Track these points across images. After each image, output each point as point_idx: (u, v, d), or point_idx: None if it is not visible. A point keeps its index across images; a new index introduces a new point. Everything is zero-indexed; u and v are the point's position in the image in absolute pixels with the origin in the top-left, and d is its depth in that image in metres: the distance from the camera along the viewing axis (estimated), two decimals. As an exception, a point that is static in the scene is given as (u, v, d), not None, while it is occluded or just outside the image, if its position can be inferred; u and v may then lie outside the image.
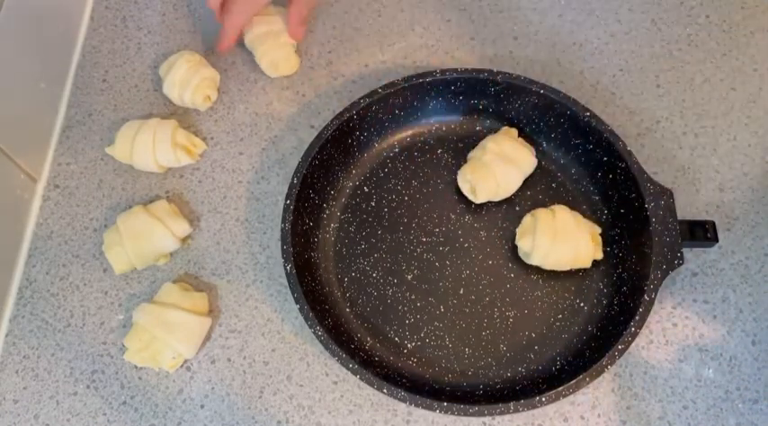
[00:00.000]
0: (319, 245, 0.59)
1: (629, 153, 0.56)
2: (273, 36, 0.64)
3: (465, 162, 0.61)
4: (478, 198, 0.59)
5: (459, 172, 0.60)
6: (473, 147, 0.61)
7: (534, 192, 0.60)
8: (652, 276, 0.52)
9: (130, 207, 0.60)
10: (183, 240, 0.59)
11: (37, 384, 0.55)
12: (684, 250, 0.53)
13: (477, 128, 0.63)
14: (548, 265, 0.56)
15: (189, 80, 0.62)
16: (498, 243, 0.59)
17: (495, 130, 0.62)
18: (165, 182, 0.62)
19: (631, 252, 0.56)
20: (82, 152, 0.64)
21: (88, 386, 0.55)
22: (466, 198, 0.60)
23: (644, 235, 0.54)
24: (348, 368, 0.50)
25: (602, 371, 0.49)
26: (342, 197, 0.60)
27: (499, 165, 0.57)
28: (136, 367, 0.55)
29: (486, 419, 0.53)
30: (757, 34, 0.68)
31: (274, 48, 0.64)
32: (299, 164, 0.56)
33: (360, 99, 0.58)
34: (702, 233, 0.54)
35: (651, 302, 0.51)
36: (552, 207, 0.57)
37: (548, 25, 0.69)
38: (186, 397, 0.54)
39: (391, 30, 0.69)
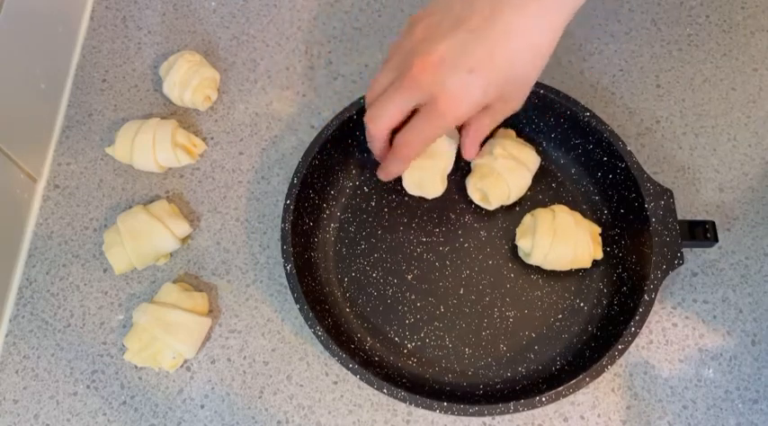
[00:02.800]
0: (319, 245, 0.59)
1: (629, 153, 0.56)
2: (424, 154, 0.57)
3: (468, 166, 0.60)
4: (492, 204, 0.59)
5: (467, 181, 0.60)
6: (473, 147, 0.61)
7: (534, 192, 0.60)
8: (652, 276, 0.52)
9: (130, 207, 0.60)
10: (183, 240, 0.59)
11: (37, 384, 0.55)
12: (684, 250, 0.53)
13: (477, 128, 0.63)
14: (548, 265, 0.56)
15: (189, 80, 0.62)
16: (498, 243, 0.59)
17: (495, 130, 0.62)
18: (165, 182, 0.62)
19: (631, 252, 0.56)
20: (82, 152, 0.64)
21: (88, 386, 0.55)
22: (466, 197, 0.60)
23: (644, 235, 0.54)
24: (348, 368, 0.50)
25: (602, 371, 0.49)
26: (342, 197, 0.60)
27: (510, 169, 0.57)
28: (136, 367, 0.55)
29: (486, 419, 0.53)
30: (757, 34, 0.68)
31: (424, 168, 0.58)
32: (299, 164, 0.56)
33: (360, 99, 0.58)
34: (702, 233, 0.54)
35: (651, 302, 0.51)
36: (552, 207, 0.57)
37: (548, 25, 0.69)
38: (186, 397, 0.54)
39: (391, 30, 0.69)
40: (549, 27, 0.45)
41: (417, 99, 0.46)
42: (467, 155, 0.54)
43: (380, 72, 0.49)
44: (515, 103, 0.49)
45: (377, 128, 0.49)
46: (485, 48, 0.44)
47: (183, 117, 0.65)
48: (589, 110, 0.57)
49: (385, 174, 0.54)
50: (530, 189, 0.59)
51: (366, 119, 0.49)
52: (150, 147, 0.59)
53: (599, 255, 0.56)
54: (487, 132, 0.52)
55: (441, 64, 0.44)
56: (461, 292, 0.57)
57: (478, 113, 0.48)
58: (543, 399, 0.49)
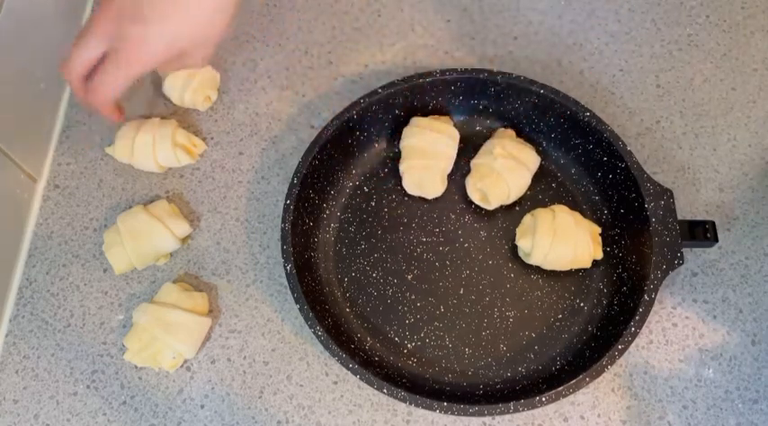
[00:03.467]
0: (319, 245, 0.59)
1: (629, 153, 0.56)
2: (425, 154, 0.59)
3: (468, 166, 0.60)
4: (491, 204, 0.59)
5: (466, 181, 0.60)
6: (473, 147, 0.61)
7: (534, 192, 0.60)
8: (652, 276, 0.52)
9: (130, 207, 0.60)
10: (183, 240, 0.59)
11: (37, 384, 0.55)
12: (684, 250, 0.53)
13: (477, 128, 0.63)
14: (548, 265, 0.56)
15: (189, 80, 0.62)
16: (498, 243, 0.59)
17: (494, 130, 0.62)
18: (165, 182, 0.62)
19: (631, 252, 0.56)
20: (82, 152, 0.64)
21: (88, 386, 0.55)
22: (466, 197, 0.60)
23: (644, 235, 0.54)
24: (348, 368, 0.50)
25: (602, 371, 0.49)
26: (342, 197, 0.60)
27: (510, 169, 0.57)
28: (136, 367, 0.55)
29: (486, 419, 0.53)
30: (757, 34, 0.68)
31: (424, 168, 0.59)
32: (299, 164, 0.56)
33: (360, 99, 0.58)
34: (702, 233, 0.54)
35: (651, 302, 0.51)
36: (552, 207, 0.57)
37: (548, 25, 0.69)
38: (186, 397, 0.54)
39: (391, 30, 0.69)
40: None
41: (103, 46, 0.49)
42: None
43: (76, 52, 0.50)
44: (207, 49, 0.52)
45: (67, 74, 0.51)
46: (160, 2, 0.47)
47: (183, 117, 0.65)
48: (589, 110, 0.57)
49: (89, 108, 0.54)
50: (530, 189, 0.59)
51: (60, 68, 0.51)
52: (150, 147, 0.59)
53: (599, 255, 0.56)
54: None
55: (119, 15, 0.47)
56: (461, 292, 0.57)
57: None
58: (543, 399, 0.49)
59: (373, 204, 0.60)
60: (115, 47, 0.48)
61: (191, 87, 0.62)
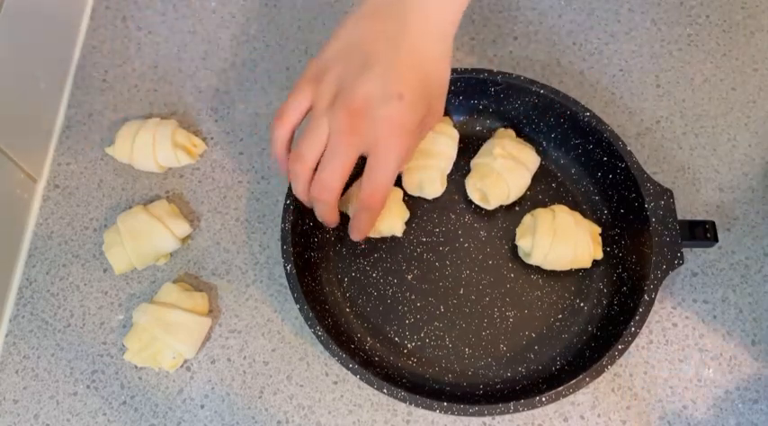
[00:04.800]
0: (319, 245, 0.59)
1: (629, 153, 0.56)
2: (425, 154, 0.59)
3: (467, 166, 0.60)
4: (491, 204, 0.59)
5: (466, 181, 0.60)
6: (473, 147, 0.61)
7: (534, 192, 0.60)
8: (652, 276, 0.52)
9: (130, 207, 0.60)
10: (183, 240, 0.59)
11: (37, 384, 0.55)
12: (684, 250, 0.53)
13: (477, 128, 0.63)
14: (548, 265, 0.56)
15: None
16: (498, 243, 0.59)
17: (494, 130, 0.62)
18: (165, 182, 0.62)
19: (631, 252, 0.56)
20: (82, 152, 0.64)
21: (88, 386, 0.55)
22: (466, 197, 0.60)
23: (644, 235, 0.54)
24: (348, 368, 0.50)
25: (602, 371, 0.49)
26: (341, 196, 0.60)
27: (510, 169, 0.57)
28: (136, 367, 0.55)
29: (486, 419, 0.53)
30: (757, 34, 0.68)
31: (424, 168, 0.59)
32: (299, 164, 0.56)
33: (360, 99, 0.58)
34: (702, 233, 0.54)
35: (651, 302, 0.51)
36: (552, 207, 0.57)
37: (548, 25, 0.69)
38: (186, 397, 0.54)
39: (391, 30, 0.69)
40: (443, 30, 0.46)
41: (360, 147, 0.46)
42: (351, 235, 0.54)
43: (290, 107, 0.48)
44: (440, 110, 0.49)
45: (330, 195, 0.48)
46: (400, 71, 0.45)
47: (183, 117, 0.65)
48: (589, 110, 0.57)
49: (359, 233, 0.53)
50: (530, 189, 0.59)
51: (314, 192, 0.48)
52: (150, 147, 0.59)
53: (599, 255, 0.56)
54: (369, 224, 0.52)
55: (367, 105, 0.44)
56: (461, 292, 0.57)
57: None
58: (543, 399, 0.49)
59: (373, 204, 0.60)
60: (374, 139, 0.45)
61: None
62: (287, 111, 0.47)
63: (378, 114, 0.44)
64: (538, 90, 0.58)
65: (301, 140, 0.47)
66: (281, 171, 0.51)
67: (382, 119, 0.44)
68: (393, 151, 0.45)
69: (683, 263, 0.52)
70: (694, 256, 0.58)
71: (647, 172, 0.55)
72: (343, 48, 0.46)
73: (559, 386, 0.49)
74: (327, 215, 0.51)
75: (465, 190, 0.60)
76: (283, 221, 0.54)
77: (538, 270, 0.57)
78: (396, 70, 0.44)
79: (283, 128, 0.48)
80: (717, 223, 0.55)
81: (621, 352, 0.50)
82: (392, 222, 0.57)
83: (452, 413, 0.49)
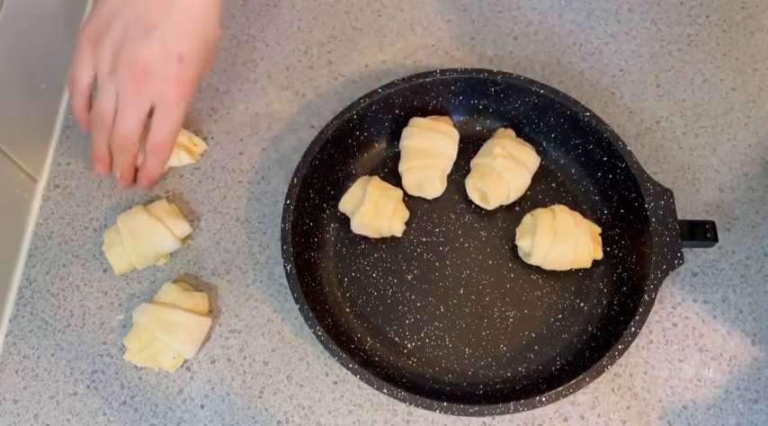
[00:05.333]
0: (319, 245, 0.59)
1: (629, 153, 0.56)
2: (424, 154, 0.59)
3: (467, 166, 0.60)
4: (491, 204, 0.59)
5: (466, 181, 0.60)
6: (473, 147, 0.61)
7: (534, 192, 0.60)
8: (652, 276, 0.52)
9: (130, 207, 0.60)
10: (183, 240, 0.59)
11: (37, 384, 0.55)
12: (684, 250, 0.53)
13: (477, 128, 0.63)
14: (548, 265, 0.56)
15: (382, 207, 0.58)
16: (498, 243, 0.59)
17: (494, 130, 0.62)
18: (164, 182, 0.62)
19: (631, 252, 0.56)
20: (82, 152, 0.64)
21: (88, 386, 0.55)
22: (466, 197, 0.60)
23: (644, 235, 0.54)
24: (348, 368, 0.50)
25: (602, 371, 0.49)
26: (342, 197, 0.60)
27: (510, 169, 0.57)
28: (136, 367, 0.55)
29: (486, 419, 0.53)
30: (757, 34, 0.68)
31: (424, 168, 0.59)
32: (299, 164, 0.56)
33: (360, 99, 0.58)
34: (702, 233, 0.54)
35: (651, 302, 0.51)
36: (552, 207, 0.57)
37: (548, 25, 0.69)
38: (186, 397, 0.54)
39: (391, 30, 0.69)
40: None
41: (147, 103, 0.51)
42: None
43: (77, 65, 0.52)
44: (213, 61, 0.54)
45: (129, 142, 0.54)
46: (178, 32, 0.49)
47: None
48: (589, 110, 0.57)
49: (148, 179, 0.58)
50: (530, 189, 0.59)
51: (116, 144, 0.54)
52: None
53: (599, 255, 0.56)
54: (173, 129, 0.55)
55: (150, 67, 0.50)
56: (461, 292, 0.57)
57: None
58: (543, 399, 0.49)
59: (373, 204, 0.60)
60: (159, 96, 0.51)
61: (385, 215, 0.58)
62: (75, 79, 0.53)
63: (161, 75, 0.50)
64: (538, 90, 0.58)
65: (96, 103, 0.53)
66: (82, 129, 0.57)
67: (166, 80, 0.50)
68: (177, 104, 0.52)
69: (683, 263, 0.52)
70: (694, 256, 0.58)
71: (647, 172, 0.55)
72: (116, 11, 0.50)
73: (559, 386, 0.49)
74: (126, 168, 0.57)
75: (465, 190, 0.60)
76: (283, 221, 0.54)
77: (538, 270, 0.57)
78: (173, 31, 0.49)
79: (78, 95, 0.54)
80: (717, 223, 0.55)
81: (621, 352, 0.50)
82: (392, 222, 0.57)
83: (452, 413, 0.49)
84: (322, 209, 0.59)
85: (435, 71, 0.59)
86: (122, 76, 0.50)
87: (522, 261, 0.57)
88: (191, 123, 0.65)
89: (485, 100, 0.61)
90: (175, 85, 0.51)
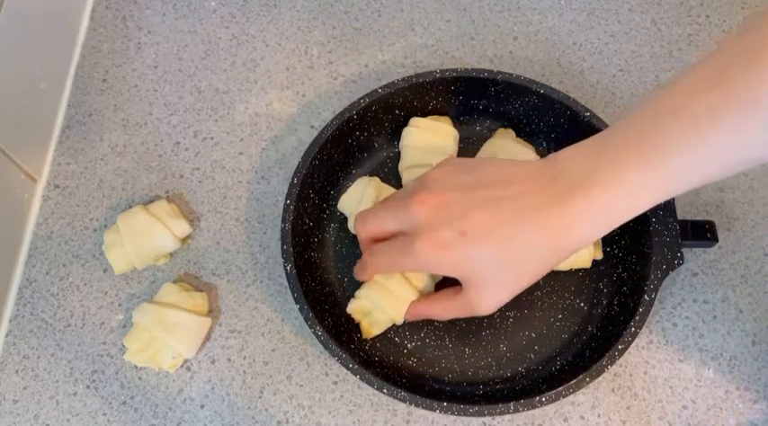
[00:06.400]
0: (319, 245, 0.59)
1: (629, 153, 0.56)
2: (424, 154, 0.58)
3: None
4: None
5: None
6: (473, 147, 0.61)
7: (534, 192, 0.60)
8: (652, 276, 0.52)
9: (130, 207, 0.60)
10: (183, 240, 0.59)
11: (37, 384, 0.55)
12: (684, 250, 0.53)
13: (477, 128, 0.63)
14: (548, 265, 0.56)
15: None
16: (498, 243, 0.59)
17: (494, 130, 0.62)
18: (165, 182, 0.62)
19: (631, 252, 0.56)
20: (82, 152, 0.64)
21: (88, 386, 0.55)
22: (466, 198, 0.60)
23: (644, 235, 0.54)
24: (348, 368, 0.50)
25: (602, 371, 0.49)
26: (342, 197, 0.60)
27: None
28: (136, 367, 0.55)
29: (486, 419, 0.53)
30: (757, 34, 0.68)
31: (423, 169, 0.57)
32: (299, 164, 0.56)
33: (360, 99, 0.58)
34: (702, 233, 0.54)
35: (651, 302, 0.51)
36: (552, 207, 0.57)
37: (548, 25, 0.69)
38: (186, 397, 0.54)
39: (391, 30, 0.69)
40: (563, 252, 0.43)
41: (402, 225, 0.46)
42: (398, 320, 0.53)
43: (383, 212, 0.48)
44: (486, 302, 0.46)
45: (361, 231, 0.50)
46: (491, 220, 0.43)
47: (184, 116, 0.65)
48: (589, 110, 0.57)
49: (357, 274, 0.53)
50: (530, 189, 0.59)
51: (355, 220, 0.50)
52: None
53: (599, 255, 0.56)
54: (429, 315, 0.51)
55: (441, 208, 0.44)
56: (461, 292, 0.57)
57: (445, 291, 0.49)
58: (543, 399, 0.49)
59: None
60: (416, 231, 0.45)
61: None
62: (366, 221, 0.49)
63: (435, 225, 0.44)
64: (538, 90, 0.58)
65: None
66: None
67: (432, 230, 0.44)
68: (417, 254, 0.45)
69: (683, 263, 0.52)
70: (694, 256, 0.58)
71: (647, 172, 0.55)
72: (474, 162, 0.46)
73: (559, 386, 0.49)
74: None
75: (465, 190, 0.60)
76: (283, 221, 0.54)
77: (538, 270, 0.57)
78: (489, 213, 0.43)
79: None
80: (717, 223, 0.55)
81: (621, 352, 0.50)
82: None
83: (452, 413, 0.49)
84: (322, 209, 0.59)
85: (435, 71, 0.59)
86: (417, 190, 0.46)
87: (522, 261, 0.57)
88: (190, 124, 0.65)
89: (485, 100, 0.61)
90: (431, 242, 0.44)
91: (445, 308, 0.50)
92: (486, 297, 0.46)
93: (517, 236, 0.42)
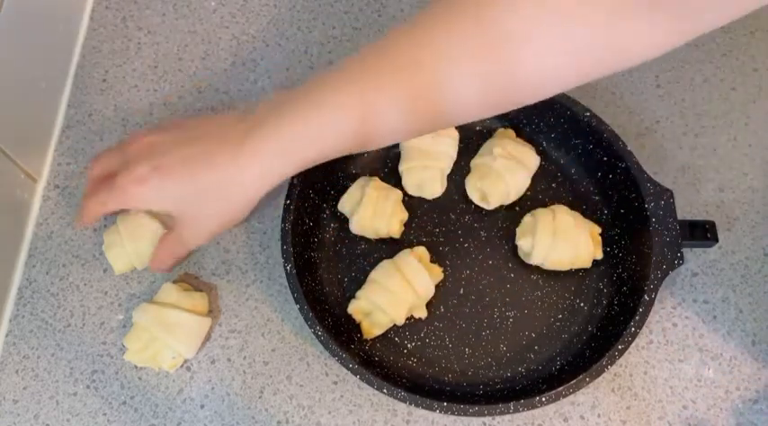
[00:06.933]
0: (319, 245, 0.59)
1: (629, 153, 0.56)
2: (424, 154, 0.59)
3: (468, 166, 0.60)
4: (491, 204, 0.59)
5: (466, 181, 0.60)
6: (473, 147, 0.61)
7: (534, 192, 0.60)
8: (652, 276, 0.52)
9: (130, 207, 0.60)
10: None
11: (37, 384, 0.55)
12: (684, 250, 0.53)
13: (477, 128, 0.63)
14: (548, 265, 0.56)
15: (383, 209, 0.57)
16: (498, 243, 0.59)
17: (494, 130, 0.62)
18: (165, 182, 0.62)
19: (631, 252, 0.56)
20: (82, 152, 0.64)
21: (88, 386, 0.55)
22: (466, 197, 0.60)
23: (644, 235, 0.54)
24: (348, 368, 0.50)
25: (602, 371, 0.49)
26: (341, 197, 0.60)
27: (509, 169, 0.57)
28: (136, 367, 0.55)
29: (486, 419, 0.53)
30: (757, 34, 0.68)
31: (424, 169, 0.59)
32: (299, 164, 0.56)
33: (360, 99, 0.58)
34: (702, 233, 0.54)
35: (651, 302, 0.51)
36: (552, 207, 0.57)
37: (548, 25, 0.69)
38: (186, 397, 0.54)
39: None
40: (253, 173, 0.46)
41: (119, 165, 0.49)
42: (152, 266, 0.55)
43: (105, 154, 0.52)
44: (186, 234, 0.50)
45: (89, 173, 0.52)
46: (180, 158, 0.47)
47: (184, 116, 0.65)
48: (589, 110, 0.57)
49: (75, 222, 0.56)
50: (530, 189, 0.59)
51: (81, 211, 0.52)
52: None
53: (599, 255, 0.56)
54: (161, 260, 0.53)
55: (148, 147, 0.48)
56: (461, 292, 0.57)
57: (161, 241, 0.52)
58: (543, 399, 0.49)
59: (373, 204, 0.60)
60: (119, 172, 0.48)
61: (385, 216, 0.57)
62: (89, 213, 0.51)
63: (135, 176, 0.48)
64: (538, 90, 0.58)
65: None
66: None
67: (132, 174, 0.48)
68: (129, 194, 0.49)
69: (683, 263, 0.52)
70: (694, 256, 0.58)
71: (647, 172, 0.55)
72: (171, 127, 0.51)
73: (559, 386, 0.49)
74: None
75: (465, 190, 0.60)
76: (283, 221, 0.54)
77: (538, 270, 0.57)
78: (182, 154, 0.47)
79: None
80: (717, 223, 0.55)
81: (621, 352, 0.50)
82: (390, 224, 0.57)
83: (452, 413, 0.49)
84: (322, 209, 0.59)
85: (435, 71, 0.59)
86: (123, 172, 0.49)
87: (522, 261, 0.57)
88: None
89: (485, 100, 0.61)
90: (133, 178, 0.48)
91: (164, 248, 0.52)
92: (187, 229, 0.50)
93: (196, 171, 0.46)
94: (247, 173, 0.45)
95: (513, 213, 0.60)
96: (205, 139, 0.47)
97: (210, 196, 0.47)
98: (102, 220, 0.61)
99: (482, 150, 0.60)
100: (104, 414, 0.54)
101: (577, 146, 0.60)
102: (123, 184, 0.47)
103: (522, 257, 0.57)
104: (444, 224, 0.60)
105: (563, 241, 0.54)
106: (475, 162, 0.60)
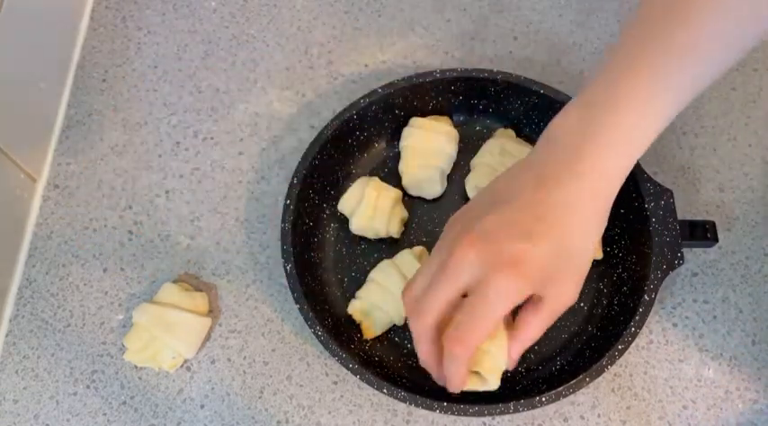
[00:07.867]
0: (319, 245, 0.59)
1: (629, 153, 0.56)
2: (424, 154, 0.58)
3: (468, 166, 0.60)
4: None
5: (466, 181, 0.60)
6: (473, 147, 0.61)
7: (534, 192, 0.60)
8: (652, 276, 0.52)
9: (130, 207, 0.60)
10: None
11: (37, 384, 0.55)
12: (684, 250, 0.53)
13: (477, 128, 0.63)
14: (548, 265, 0.56)
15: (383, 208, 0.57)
16: (498, 243, 0.59)
17: (494, 130, 0.62)
18: (164, 182, 0.62)
19: (631, 252, 0.56)
20: (82, 152, 0.64)
21: (88, 386, 0.55)
22: (466, 197, 0.60)
23: (644, 235, 0.54)
24: (348, 368, 0.50)
25: (602, 371, 0.49)
26: (341, 197, 0.60)
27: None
28: (136, 367, 0.55)
29: (486, 419, 0.53)
30: (757, 34, 0.68)
31: (424, 169, 0.59)
32: (298, 164, 0.56)
33: (360, 99, 0.58)
34: (702, 233, 0.54)
35: (651, 302, 0.51)
36: (552, 207, 0.57)
37: (548, 25, 0.69)
38: (186, 397, 0.54)
39: (391, 30, 0.69)
40: (603, 202, 0.41)
41: (465, 281, 0.39)
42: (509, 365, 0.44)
43: (417, 273, 0.43)
44: (570, 288, 0.41)
45: (421, 324, 0.41)
46: (534, 215, 0.39)
47: (184, 116, 0.65)
48: (589, 110, 0.57)
49: (452, 385, 0.42)
50: (530, 189, 0.59)
51: (408, 315, 0.42)
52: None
53: (599, 255, 0.56)
54: (537, 336, 0.42)
55: (486, 236, 0.39)
56: (461, 292, 0.57)
57: (525, 311, 0.42)
58: (543, 399, 0.49)
59: (373, 204, 0.60)
60: (484, 273, 0.38)
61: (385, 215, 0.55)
62: (423, 308, 0.41)
63: (499, 249, 0.39)
64: (538, 90, 0.58)
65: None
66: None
67: (502, 255, 0.39)
68: (499, 291, 0.39)
69: (683, 263, 0.52)
70: (694, 256, 0.58)
71: (647, 172, 0.55)
72: (479, 197, 0.43)
73: (559, 386, 0.49)
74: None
75: (465, 190, 0.60)
76: (283, 221, 0.54)
77: (538, 270, 0.57)
78: (528, 212, 0.40)
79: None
80: (717, 223, 0.55)
81: (621, 352, 0.50)
82: (389, 224, 0.57)
83: (452, 413, 0.49)
84: (322, 209, 0.59)
85: (435, 71, 0.59)
86: (452, 247, 0.40)
87: (522, 261, 0.57)
88: (189, 123, 0.65)
89: (485, 100, 0.61)
90: (508, 265, 0.39)
91: (537, 326, 0.42)
92: (566, 285, 0.41)
93: (555, 209, 0.39)
94: (603, 178, 0.41)
95: (513, 213, 0.59)
96: (519, 190, 0.40)
97: (578, 220, 0.40)
98: (102, 220, 0.61)
99: (482, 150, 0.60)
100: (104, 414, 0.54)
101: (577, 146, 0.60)
102: (501, 280, 0.38)
103: (522, 257, 0.57)
104: (444, 224, 0.59)
105: (563, 241, 0.54)
106: (475, 162, 0.60)
